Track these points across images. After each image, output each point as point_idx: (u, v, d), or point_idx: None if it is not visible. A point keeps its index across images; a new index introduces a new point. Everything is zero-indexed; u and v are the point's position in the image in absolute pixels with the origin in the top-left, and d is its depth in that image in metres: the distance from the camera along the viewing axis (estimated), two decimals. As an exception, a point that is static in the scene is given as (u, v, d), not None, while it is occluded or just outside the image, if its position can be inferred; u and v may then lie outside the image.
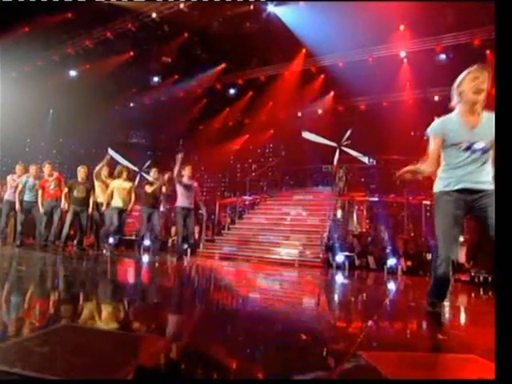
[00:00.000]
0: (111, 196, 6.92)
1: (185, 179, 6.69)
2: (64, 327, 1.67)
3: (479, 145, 2.37)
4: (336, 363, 1.53)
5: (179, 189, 6.62)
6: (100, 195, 7.15)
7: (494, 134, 2.25)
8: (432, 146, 2.50)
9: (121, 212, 6.90)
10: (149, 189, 7.11)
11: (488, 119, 2.38)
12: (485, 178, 2.39)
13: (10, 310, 2.12)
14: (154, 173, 7.28)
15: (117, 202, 6.89)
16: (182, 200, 6.61)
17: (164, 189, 7.41)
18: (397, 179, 2.66)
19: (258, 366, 1.48)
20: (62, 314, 2.10)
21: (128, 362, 1.33)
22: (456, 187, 2.42)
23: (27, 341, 1.42)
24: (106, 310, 2.30)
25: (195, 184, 6.92)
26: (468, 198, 2.41)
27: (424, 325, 2.67)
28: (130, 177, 7.43)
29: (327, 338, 2.05)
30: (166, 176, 7.15)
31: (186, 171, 6.73)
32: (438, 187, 2.55)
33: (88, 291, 3.14)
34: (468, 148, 2.38)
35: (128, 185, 7.07)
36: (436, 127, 2.54)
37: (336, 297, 4.18)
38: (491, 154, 2.39)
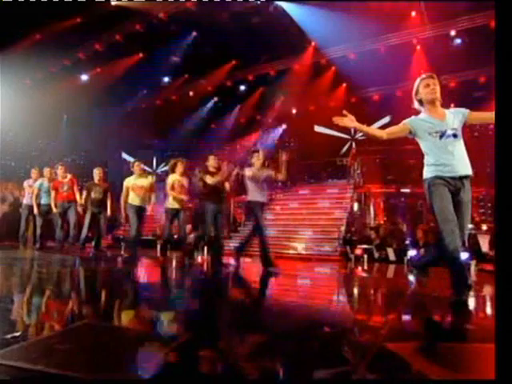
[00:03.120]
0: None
1: (251, 171, 5.15)
2: (84, 326, 1.65)
3: (452, 131, 2.80)
4: (363, 355, 1.46)
5: (249, 182, 5.18)
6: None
7: (458, 122, 2.83)
8: (396, 127, 2.96)
9: (178, 213, 5.99)
10: (209, 179, 5.41)
11: (449, 113, 2.90)
12: (465, 160, 2.81)
13: (32, 310, 2.12)
14: (212, 160, 5.63)
15: (172, 203, 5.94)
16: (254, 194, 5.11)
17: (227, 185, 5.66)
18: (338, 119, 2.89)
19: (284, 357, 1.43)
20: (83, 313, 2.09)
21: (147, 361, 1.29)
22: (449, 174, 2.75)
23: (49, 339, 1.40)
24: (126, 309, 2.29)
25: (267, 174, 5.22)
26: (458, 184, 2.76)
27: (451, 315, 2.58)
28: (187, 171, 6.22)
29: (353, 329, 1.99)
30: (236, 170, 5.52)
31: (255, 159, 5.18)
32: (429, 173, 2.83)
33: (107, 292, 3.14)
34: (442, 135, 2.79)
35: (185, 180, 6.07)
36: (410, 120, 2.95)
37: (358, 289, 4.09)
38: (462, 140, 2.84)
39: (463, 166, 2.78)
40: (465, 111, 2.90)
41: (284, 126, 15.46)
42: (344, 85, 13.78)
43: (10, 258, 5.87)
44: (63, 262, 5.40)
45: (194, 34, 12.14)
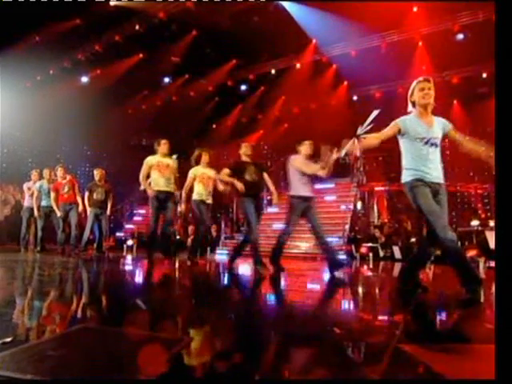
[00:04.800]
0: (190, 188, 5.43)
1: (298, 161, 4.57)
2: (82, 329, 1.55)
3: (434, 140, 2.92)
4: (378, 358, 1.37)
5: (292, 174, 4.57)
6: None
7: (441, 133, 2.96)
8: (388, 130, 2.99)
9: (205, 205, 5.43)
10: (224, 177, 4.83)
11: (438, 121, 3.00)
12: (441, 170, 2.95)
13: (28, 314, 2.03)
14: (245, 148, 4.99)
15: (199, 194, 5.38)
16: (298, 188, 4.53)
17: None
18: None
19: (292, 362, 1.33)
20: (82, 317, 2.00)
21: (150, 365, 1.20)
22: (428, 180, 2.86)
23: (42, 344, 1.31)
24: (126, 311, 2.19)
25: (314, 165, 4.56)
26: (436, 187, 2.88)
27: (468, 313, 2.47)
28: (212, 162, 5.72)
29: (364, 331, 1.88)
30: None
31: (304, 147, 4.63)
32: (410, 177, 2.92)
33: (107, 293, 3.05)
34: (427, 142, 2.90)
35: (211, 172, 5.52)
36: (401, 120, 2.98)
37: (367, 289, 3.98)
38: (439, 150, 2.97)
39: (439, 174, 2.94)
40: (448, 126, 3.02)
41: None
42: (345, 83, 13.68)
43: (9, 260, 5.79)
44: (64, 265, 5.31)
45: (194, 33, 12.05)
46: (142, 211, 13.37)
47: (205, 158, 5.49)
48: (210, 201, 5.50)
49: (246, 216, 4.76)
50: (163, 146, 5.43)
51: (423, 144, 2.89)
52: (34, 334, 1.54)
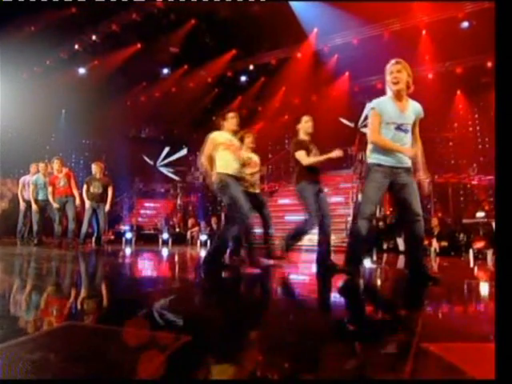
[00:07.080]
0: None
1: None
2: (67, 327, 1.41)
3: (405, 126, 2.90)
4: (402, 359, 1.22)
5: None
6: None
7: (413, 119, 2.93)
8: (375, 122, 2.93)
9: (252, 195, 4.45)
10: (303, 157, 4.12)
11: (412, 106, 2.95)
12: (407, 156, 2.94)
13: (9, 309, 1.89)
14: (306, 123, 4.26)
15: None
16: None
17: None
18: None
19: (308, 362, 1.19)
20: (68, 313, 1.85)
21: (142, 366, 1.06)
22: (392, 164, 2.89)
23: (18, 345, 1.16)
24: (117, 307, 2.05)
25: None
26: (394, 171, 2.91)
27: (488, 308, 2.32)
28: (255, 145, 4.77)
29: (381, 329, 1.73)
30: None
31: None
32: (372, 159, 2.98)
33: (100, 288, 2.92)
34: (397, 128, 2.88)
35: (256, 157, 4.70)
36: (379, 106, 2.93)
37: (374, 283, 3.82)
38: (410, 135, 2.95)
39: (405, 159, 2.92)
40: (421, 114, 2.98)
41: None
42: (347, 74, 13.45)
43: (4, 253, 5.65)
44: (60, 258, 5.18)
45: (193, 22, 11.81)
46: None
47: (248, 140, 4.57)
48: (258, 190, 4.69)
49: (304, 204, 4.09)
50: (231, 120, 4.01)
51: (394, 129, 2.87)
52: (13, 332, 1.39)
